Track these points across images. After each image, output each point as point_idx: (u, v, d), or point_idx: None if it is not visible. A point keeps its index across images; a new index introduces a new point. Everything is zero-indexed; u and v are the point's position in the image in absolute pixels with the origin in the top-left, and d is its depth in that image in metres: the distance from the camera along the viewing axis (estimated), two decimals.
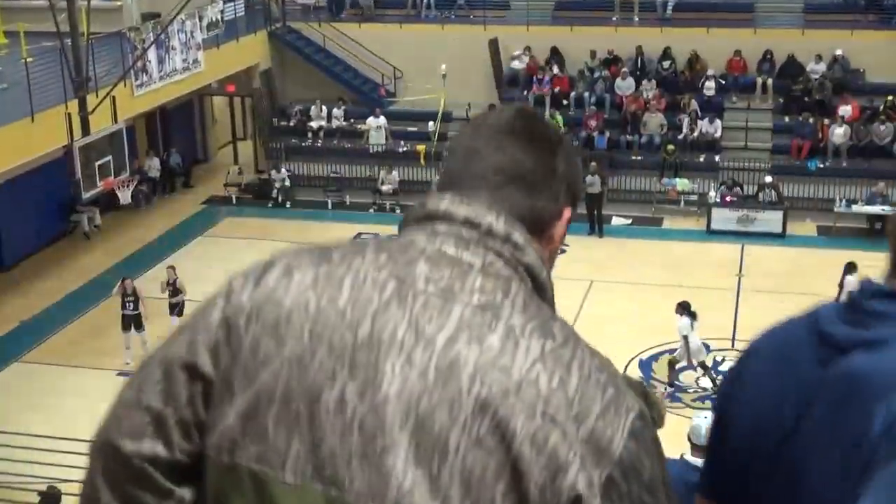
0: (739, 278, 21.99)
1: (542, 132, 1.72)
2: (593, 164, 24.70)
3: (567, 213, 1.70)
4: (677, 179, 25.84)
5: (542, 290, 1.59)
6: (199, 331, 1.57)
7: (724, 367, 17.86)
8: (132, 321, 18.70)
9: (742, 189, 25.26)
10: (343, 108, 28.41)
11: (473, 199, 1.60)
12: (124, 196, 22.59)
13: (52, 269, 23.26)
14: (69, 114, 19.44)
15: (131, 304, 18.71)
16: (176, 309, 19.25)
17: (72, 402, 17.12)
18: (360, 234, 24.78)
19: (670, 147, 26.09)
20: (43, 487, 9.53)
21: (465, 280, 1.50)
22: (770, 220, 24.39)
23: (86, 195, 20.57)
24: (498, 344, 1.43)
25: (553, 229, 1.68)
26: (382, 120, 27.73)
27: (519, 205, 1.63)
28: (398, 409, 1.40)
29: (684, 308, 17.60)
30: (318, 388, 1.44)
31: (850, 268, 18.44)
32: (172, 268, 20.21)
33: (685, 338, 17.49)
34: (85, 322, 19.62)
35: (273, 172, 27.41)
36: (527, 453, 1.38)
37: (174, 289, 19.43)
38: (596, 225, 24.40)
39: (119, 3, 26.60)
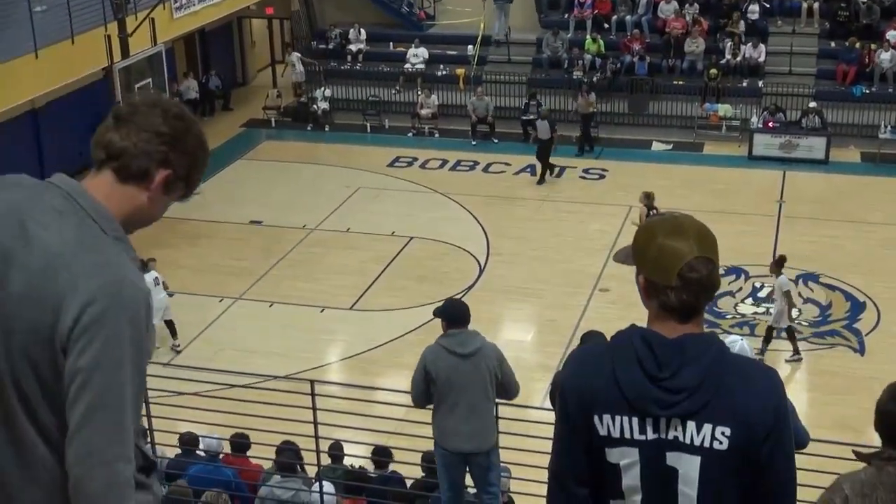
0: (780, 205, 21.81)
1: None
2: (544, 108, 24.43)
3: None
4: (719, 105, 25.55)
5: None
6: None
7: (763, 294, 17.80)
8: None
9: (785, 115, 24.92)
10: (360, 29, 28.39)
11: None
12: None
13: None
14: (108, 36, 19.44)
15: None
16: None
17: None
18: (397, 157, 24.81)
19: (713, 72, 25.75)
20: None
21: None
22: (813, 146, 24.09)
23: None
24: None
25: None
26: (423, 51, 27.54)
27: None
28: None
29: None
30: None
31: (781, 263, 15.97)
32: None
33: None
34: None
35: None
36: None
37: None
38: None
39: None
